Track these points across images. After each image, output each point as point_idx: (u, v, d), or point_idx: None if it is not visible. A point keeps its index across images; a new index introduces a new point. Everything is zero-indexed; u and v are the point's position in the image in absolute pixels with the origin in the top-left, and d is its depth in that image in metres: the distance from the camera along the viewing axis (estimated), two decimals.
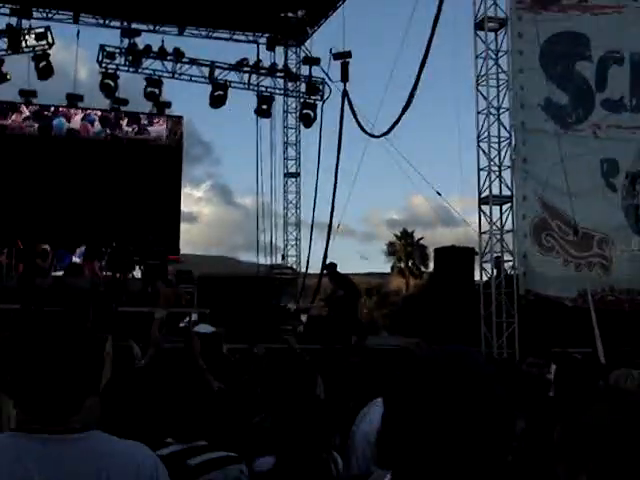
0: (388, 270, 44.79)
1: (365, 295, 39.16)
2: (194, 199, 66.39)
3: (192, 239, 69.72)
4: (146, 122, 22.24)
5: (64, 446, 2.01)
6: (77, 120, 21.73)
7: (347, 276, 16.58)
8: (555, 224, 14.66)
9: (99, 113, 21.97)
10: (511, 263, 15.00)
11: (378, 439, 1.37)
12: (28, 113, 21.33)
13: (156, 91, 21.03)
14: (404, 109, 16.89)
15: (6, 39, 19.42)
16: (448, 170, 39.06)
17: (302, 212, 23.26)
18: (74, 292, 15.93)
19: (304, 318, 18.61)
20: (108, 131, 21.88)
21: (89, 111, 21.95)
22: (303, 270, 22.33)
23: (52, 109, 21.66)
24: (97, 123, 21.85)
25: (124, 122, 22.04)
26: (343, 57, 19.86)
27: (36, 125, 21.28)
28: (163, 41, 21.22)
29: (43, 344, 2.04)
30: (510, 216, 14.85)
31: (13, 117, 21.27)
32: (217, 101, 21.21)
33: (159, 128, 22.35)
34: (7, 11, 20.02)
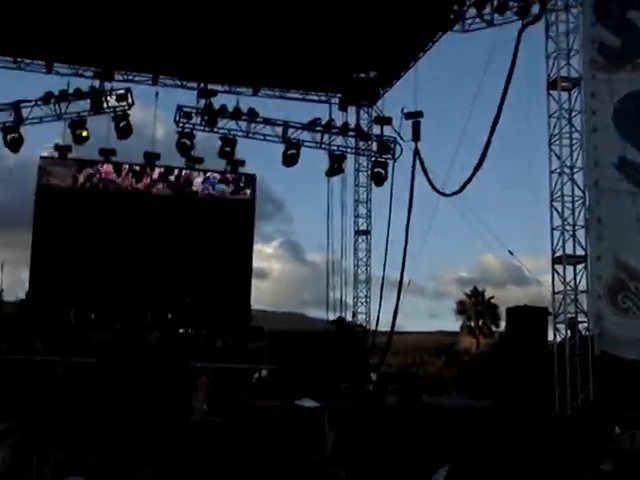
0: (458, 329, 44.21)
1: (434, 354, 38.69)
2: (265, 255, 66.96)
3: (262, 295, 70.15)
4: (220, 180, 22.71)
5: None
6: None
7: None
8: (633, 285, 14.34)
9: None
10: (585, 324, 14.71)
11: None
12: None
13: (230, 150, 21.48)
14: (476, 169, 16.86)
15: (89, 100, 20.13)
16: (520, 228, 38.39)
17: (372, 269, 23.28)
18: (148, 347, 16.22)
19: (374, 376, 18.49)
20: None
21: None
22: (373, 327, 22.23)
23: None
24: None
25: (199, 179, 22.60)
26: (414, 116, 19.99)
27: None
28: (238, 101, 21.76)
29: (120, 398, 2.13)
30: (584, 276, 14.62)
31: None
32: (289, 160, 21.54)
33: (233, 186, 22.79)
34: (91, 74, 20.90)
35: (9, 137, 19.64)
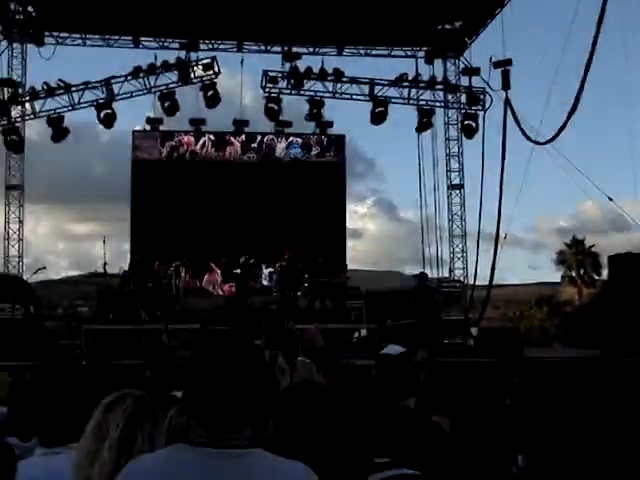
0: (559, 279, 43.45)
1: (535, 305, 38.16)
2: (359, 215, 67.16)
3: (358, 255, 70.50)
4: (303, 144, 22.76)
5: (226, 460, 2.10)
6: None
7: None
8: None
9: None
10: None
11: None
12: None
13: (318, 112, 21.43)
14: (569, 114, 16.44)
15: (177, 72, 20.41)
16: (619, 173, 37.32)
17: (467, 224, 22.98)
18: (247, 310, 16.51)
19: (474, 331, 18.36)
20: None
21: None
22: (471, 282, 22.02)
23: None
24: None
25: (282, 144, 22.72)
26: (503, 65, 19.55)
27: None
28: (323, 62, 21.65)
29: (219, 361, 2.15)
30: None
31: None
32: (378, 118, 21.37)
33: (318, 148, 22.80)
34: (177, 46, 21.17)
35: (103, 113, 20.11)
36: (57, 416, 3.03)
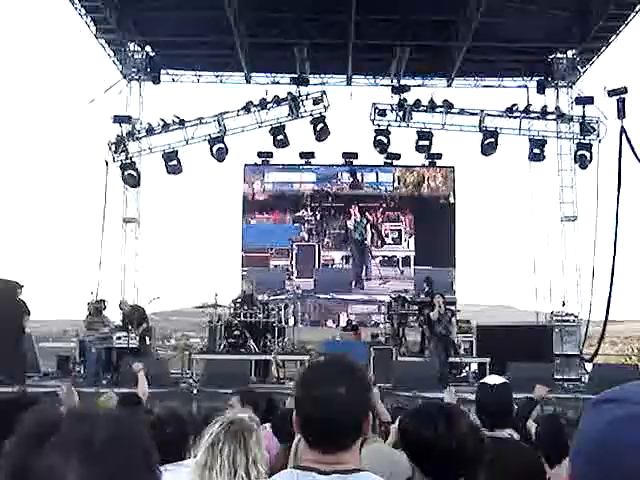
0: None
1: None
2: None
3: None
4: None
5: None
6: None
7: None
8: None
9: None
10: None
11: None
12: None
13: (428, 143, 21.32)
14: None
15: (287, 106, 20.76)
16: None
17: (582, 256, 22.30)
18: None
19: (589, 367, 17.76)
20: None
21: None
22: (586, 317, 21.31)
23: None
24: None
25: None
26: (618, 93, 19.01)
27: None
28: (432, 94, 21.58)
29: (330, 382, 2.14)
30: None
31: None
32: (488, 148, 21.09)
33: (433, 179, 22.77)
34: (287, 80, 21.59)
35: (215, 148, 20.60)
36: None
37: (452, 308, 16.67)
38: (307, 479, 2.10)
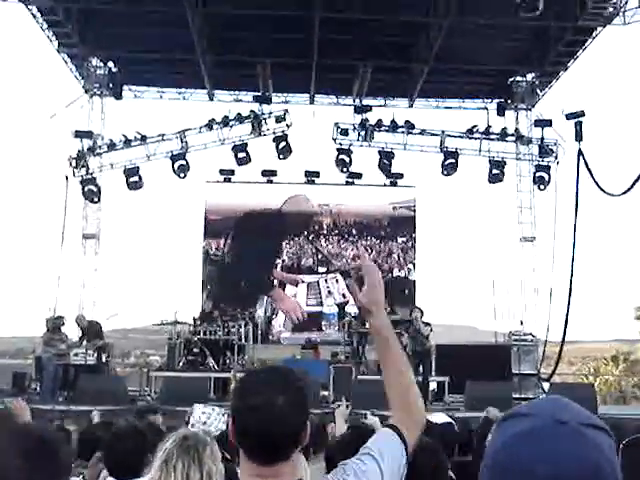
0: (638, 336, 42.19)
1: (612, 362, 37.10)
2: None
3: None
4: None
5: None
6: None
7: None
8: None
9: None
10: None
11: None
12: None
13: (388, 163, 21.48)
14: None
15: (249, 124, 20.80)
16: None
17: (539, 277, 22.54)
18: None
19: (546, 386, 17.94)
20: None
21: None
22: (543, 337, 21.52)
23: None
24: None
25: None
26: (576, 116, 19.34)
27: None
28: (394, 114, 21.76)
29: (267, 391, 2.06)
30: None
31: None
32: (449, 169, 21.30)
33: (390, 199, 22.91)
34: (250, 99, 21.63)
35: (177, 164, 20.55)
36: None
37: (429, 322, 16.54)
38: None
